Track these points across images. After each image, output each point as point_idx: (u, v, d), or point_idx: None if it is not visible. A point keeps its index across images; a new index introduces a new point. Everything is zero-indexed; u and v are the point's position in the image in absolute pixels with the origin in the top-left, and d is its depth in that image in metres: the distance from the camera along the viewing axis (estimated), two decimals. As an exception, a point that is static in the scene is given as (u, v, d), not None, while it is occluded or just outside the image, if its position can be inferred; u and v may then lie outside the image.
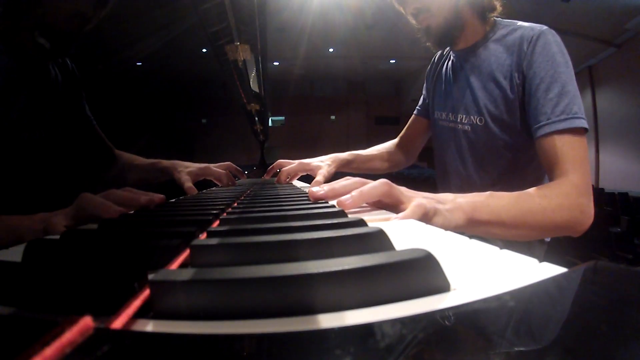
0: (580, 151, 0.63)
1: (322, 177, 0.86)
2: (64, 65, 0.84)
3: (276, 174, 1.01)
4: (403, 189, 0.48)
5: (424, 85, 1.02)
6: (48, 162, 0.77)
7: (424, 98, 1.02)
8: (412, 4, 0.77)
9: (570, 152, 0.63)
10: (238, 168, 1.04)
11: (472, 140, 0.81)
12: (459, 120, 0.83)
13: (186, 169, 0.91)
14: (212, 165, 0.95)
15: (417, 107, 1.04)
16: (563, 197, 0.59)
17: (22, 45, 0.67)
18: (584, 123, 0.64)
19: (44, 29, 0.65)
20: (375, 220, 0.39)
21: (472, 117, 0.80)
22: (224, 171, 0.94)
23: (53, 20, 0.65)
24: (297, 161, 0.94)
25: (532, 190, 0.60)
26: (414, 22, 0.82)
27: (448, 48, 0.91)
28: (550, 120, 0.65)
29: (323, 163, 0.94)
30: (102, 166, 0.98)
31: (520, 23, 0.76)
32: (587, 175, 0.63)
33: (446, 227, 0.44)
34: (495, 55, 0.75)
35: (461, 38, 0.80)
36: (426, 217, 0.44)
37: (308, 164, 0.93)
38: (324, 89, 12.11)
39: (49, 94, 0.77)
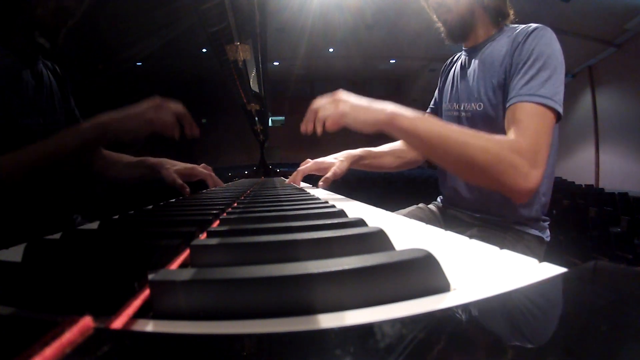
0: (537, 121, 0.64)
1: (331, 174, 0.93)
2: (54, 71, 0.87)
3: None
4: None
5: (437, 86, 1.08)
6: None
7: (435, 97, 1.08)
8: None
9: (526, 119, 0.65)
10: (217, 179, 1.02)
11: (472, 126, 0.85)
12: (462, 108, 0.89)
13: (173, 167, 0.92)
14: (197, 167, 0.96)
15: (430, 106, 1.12)
16: (492, 143, 0.61)
17: (13, 41, 0.69)
18: (551, 103, 0.66)
19: (31, 25, 0.68)
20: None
21: (472, 104, 0.85)
22: (209, 172, 0.96)
23: (40, 15, 0.67)
24: (312, 161, 1.00)
25: (470, 130, 0.65)
26: (434, 16, 0.89)
27: (459, 54, 0.98)
28: (517, 94, 0.68)
29: (337, 160, 0.99)
30: (88, 162, 0.98)
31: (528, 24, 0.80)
32: (537, 144, 0.63)
33: (365, 121, 0.63)
34: (497, 49, 0.81)
35: (472, 35, 0.88)
36: (342, 120, 0.64)
37: (322, 162, 0.99)
38: (324, 89, 12.08)
39: (42, 88, 0.79)
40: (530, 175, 0.61)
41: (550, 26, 0.75)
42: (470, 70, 0.87)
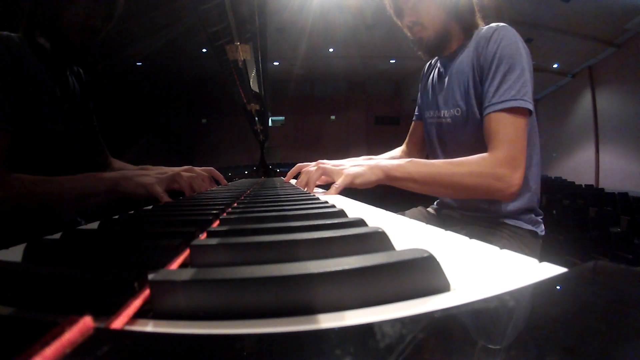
0: (511, 128, 0.71)
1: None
2: (78, 75, 0.91)
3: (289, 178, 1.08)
4: (332, 165, 0.76)
5: (419, 92, 1.10)
6: (61, 155, 0.82)
7: (418, 105, 1.09)
8: (408, 17, 0.87)
9: (501, 129, 0.71)
10: (220, 174, 1.02)
11: (453, 130, 0.89)
12: (442, 115, 0.91)
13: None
14: (196, 168, 0.94)
15: (415, 114, 1.12)
16: (475, 166, 0.71)
17: (45, 52, 0.75)
18: (521, 104, 0.71)
19: (61, 41, 0.74)
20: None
21: (450, 110, 0.88)
22: (206, 174, 0.93)
23: (69, 33, 0.73)
24: (314, 163, 0.95)
25: (453, 160, 0.73)
26: (409, 34, 0.91)
27: (436, 58, 1.00)
28: (490, 103, 0.73)
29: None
30: (96, 170, 0.99)
31: (488, 25, 0.83)
32: (513, 149, 0.70)
33: (368, 181, 0.71)
34: (466, 55, 0.84)
35: (447, 47, 0.90)
36: (352, 183, 0.69)
37: (325, 168, 0.93)
38: (324, 89, 12.08)
39: (69, 95, 0.84)
40: (513, 178, 0.70)
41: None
42: (447, 78, 0.90)
